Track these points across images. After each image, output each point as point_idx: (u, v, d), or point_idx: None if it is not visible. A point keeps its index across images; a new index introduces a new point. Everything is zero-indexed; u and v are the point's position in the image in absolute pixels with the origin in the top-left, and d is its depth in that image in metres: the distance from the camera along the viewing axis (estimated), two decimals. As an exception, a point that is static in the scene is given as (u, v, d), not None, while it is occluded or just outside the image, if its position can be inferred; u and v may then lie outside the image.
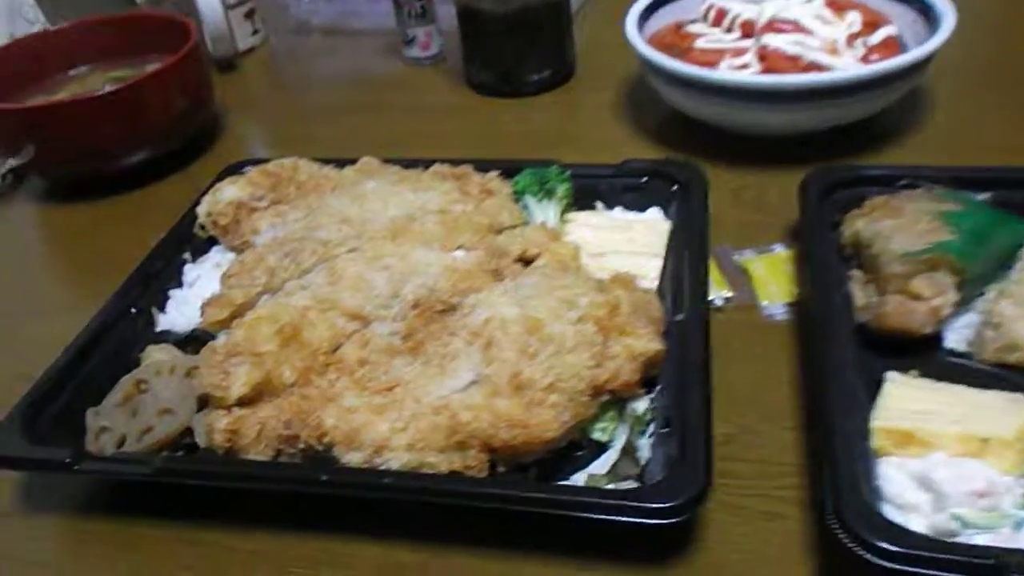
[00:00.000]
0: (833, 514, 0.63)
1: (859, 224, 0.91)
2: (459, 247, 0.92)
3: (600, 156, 1.18)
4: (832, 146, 1.20)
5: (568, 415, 0.73)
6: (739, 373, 0.87)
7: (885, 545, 0.59)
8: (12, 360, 1.03)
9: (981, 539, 0.62)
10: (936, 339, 0.83)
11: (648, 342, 0.79)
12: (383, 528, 0.75)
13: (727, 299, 0.97)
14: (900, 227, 0.86)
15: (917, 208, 0.88)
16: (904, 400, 0.73)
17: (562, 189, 1.05)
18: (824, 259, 0.90)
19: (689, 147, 1.27)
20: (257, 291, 0.88)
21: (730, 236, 1.07)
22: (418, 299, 0.87)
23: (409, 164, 1.12)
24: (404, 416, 0.73)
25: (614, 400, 0.79)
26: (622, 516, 0.64)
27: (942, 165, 1.01)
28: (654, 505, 0.64)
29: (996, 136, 1.21)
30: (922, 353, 0.81)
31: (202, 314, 0.88)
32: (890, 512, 0.67)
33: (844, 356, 0.78)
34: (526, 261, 0.95)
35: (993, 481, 0.64)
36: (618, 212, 1.07)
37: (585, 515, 0.65)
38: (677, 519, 0.64)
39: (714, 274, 1.00)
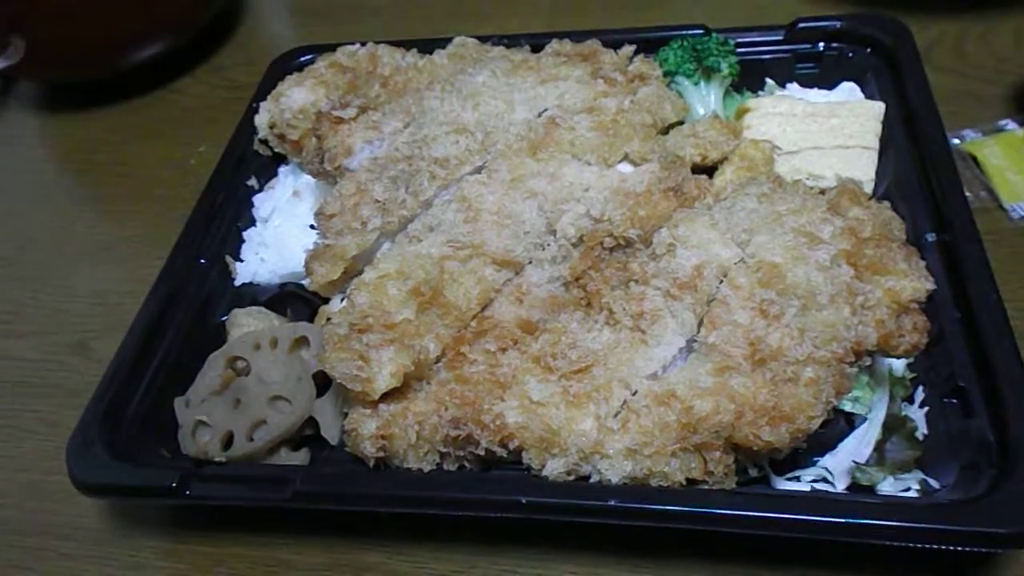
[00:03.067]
0: None
1: None
2: (623, 158, 0.70)
3: (738, 14, 0.93)
4: None
5: (830, 392, 0.55)
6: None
7: None
8: (56, 324, 0.84)
9: None
10: None
11: (917, 282, 0.58)
12: (587, 545, 0.58)
13: (962, 200, 0.76)
14: None
15: None
16: None
17: (727, 65, 0.81)
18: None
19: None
20: (373, 237, 0.67)
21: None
22: (581, 234, 0.66)
23: (512, 42, 0.87)
24: (615, 408, 0.55)
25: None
26: (949, 544, 0.47)
27: None
28: (1000, 532, 0.46)
29: None
30: None
31: (308, 272, 0.68)
32: None
33: None
34: (704, 169, 0.73)
35: None
36: (794, 90, 0.84)
37: (907, 544, 0.48)
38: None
39: (934, 167, 0.78)
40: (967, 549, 0.47)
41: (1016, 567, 0.54)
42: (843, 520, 0.49)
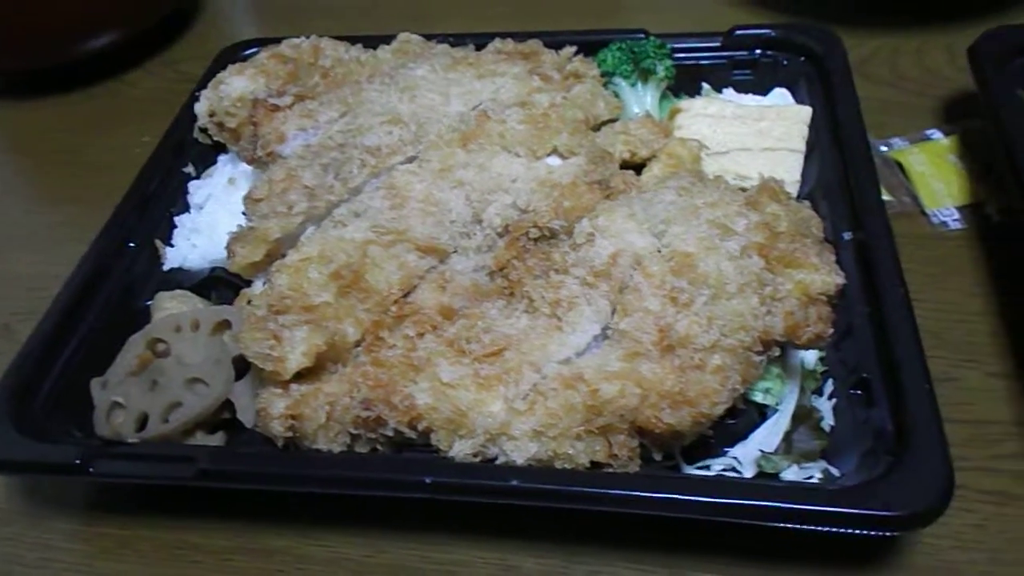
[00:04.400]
0: None
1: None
2: (552, 151, 0.71)
3: (685, 23, 0.95)
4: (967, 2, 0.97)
5: (737, 380, 0.56)
6: (916, 303, 0.69)
7: None
8: (-16, 309, 0.83)
9: None
10: None
11: (827, 276, 0.60)
12: (495, 529, 0.58)
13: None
14: None
15: None
16: None
17: (663, 68, 0.82)
18: (1016, 147, 0.70)
19: (792, 9, 1.03)
20: (298, 221, 0.67)
21: (865, 120, 0.86)
22: (507, 223, 0.67)
23: (457, 41, 0.88)
24: (524, 391, 0.55)
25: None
26: (840, 527, 0.48)
27: None
28: (888, 514, 0.47)
29: None
30: None
31: (229, 254, 0.67)
32: None
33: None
34: (633, 166, 0.75)
35: None
36: (730, 95, 0.85)
37: (787, 526, 0.49)
38: (915, 530, 0.48)
39: (860, 172, 0.80)
40: (852, 531, 0.47)
41: (918, 556, 0.54)
42: (727, 500, 0.49)
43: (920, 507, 0.47)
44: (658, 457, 0.56)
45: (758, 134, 0.76)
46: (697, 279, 0.57)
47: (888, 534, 0.47)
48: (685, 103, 0.79)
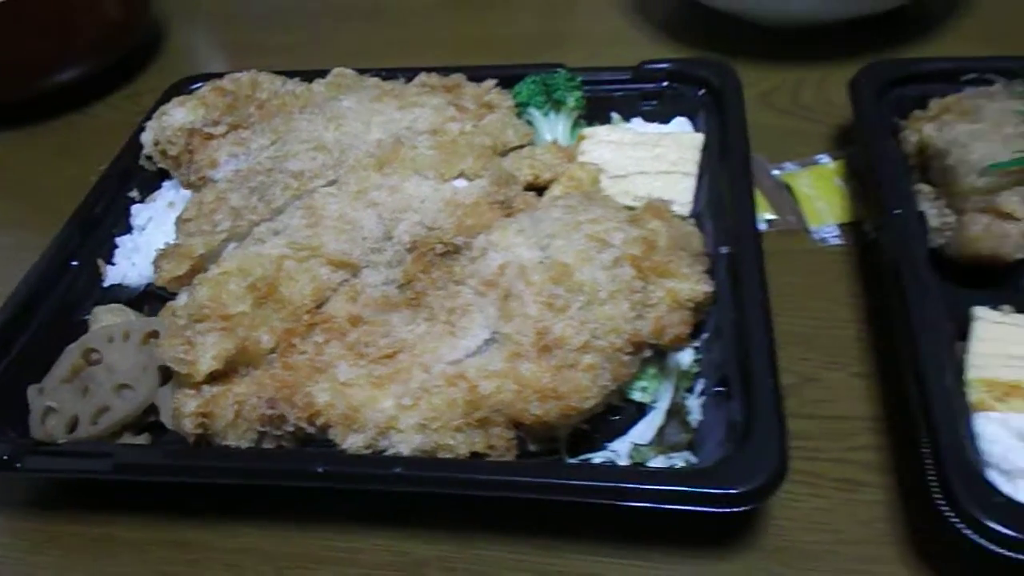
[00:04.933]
0: (939, 492, 0.52)
1: (927, 129, 0.78)
2: (459, 175, 0.77)
3: (607, 58, 1.02)
4: (870, 38, 1.05)
5: (607, 378, 0.61)
6: (793, 311, 0.75)
7: (1007, 530, 0.49)
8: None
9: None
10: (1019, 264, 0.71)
11: (694, 284, 0.66)
12: (392, 519, 0.63)
13: (769, 222, 0.84)
14: (980, 132, 0.73)
15: (1000, 109, 0.74)
16: (1001, 342, 0.62)
17: (573, 99, 0.89)
18: (890, 172, 0.76)
19: (708, 44, 1.11)
20: (221, 238, 0.73)
21: (763, 147, 0.93)
22: (415, 240, 0.73)
23: (389, 75, 0.95)
24: (412, 389, 0.61)
25: (656, 354, 0.67)
26: (684, 505, 0.53)
27: (1018, 55, 0.87)
28: (724, 491, 0.53)
29: None
30: (1011, 281, 0.70)
31: (156, 270, 0.73)
32: (997, 480, 0.57)
33: (924, 289, 0.66)
34: (537, 188, 0.81)
35: None
36: (638, 124, 0.92)
37: (638, 505, 0.54)
38: (748, 507, 0.53)
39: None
40: (688, 508, 0.53)
41: (770, 538, 0.60)
42: (574, 482, 0.55)
43: (750, 487, 0.52)
44: (533, 448, 0.61)
45: (655, 159, 0.83)
46: (573, 287, 0.63)
47: (723, 510, 0.52)
48: (588, 130, 0.86)
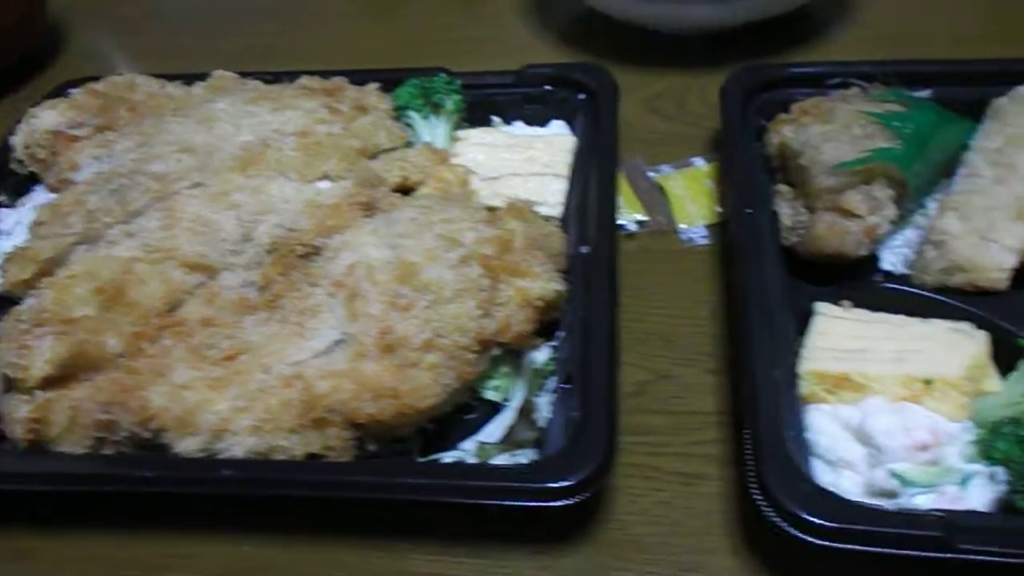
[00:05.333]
0: (755, 482, 0.53)
1: (786, 131, 0.80)
2: (323, 176, 0.77)
3: (499, 63, 1.03)
4: (757, 45, 1.07)
5: (450, 376, 0.61)
6: (654, 309, 0.77)
7: (813, 519, 0.50)
8: None
9: (923, 499, 0.54)
10: (871, 261, 0.73)
11: (545, 283, 0.66)
12: (230, 523, 0.62)
13: (640, 223, 0.85)
14: (831, 133, 0.75)
15: (851, 111, 0.77)
16: (836, 336, 0.64)
17: (451, 102, 0.89)
18: (747, 172, 0.78)
19: (601, 51, 1.12)
20: (70, 241, 0.72)
21: (645, 150, 0.95)
22: (275, 242, 0.72)
23: (273, 79, 0.95)
24: (248, 391, 0.60)
25: (510, 353, 0.68)
26: (505, 500, 0.54)
27: (879, 60, 0.89)
28: (542, 485, 0.53)
29: (942, 25, 1.10)
30: (857, 278, 0.71)
31: (2, 273, 0.71)
32: (822, 470, 0.58)
33: (768, 285, 0.68)
34: (407, 191, 0.81)
35: (937, 430, 0.56)
36: (519, 127, 0.93)
37: (461, 501, 0.54)
38: (572, 500, 0.54)
39: (626, 195, 0.88)
40: (513, 502, 0.53)
41: (610, 532, 0.60)
42: (396, 480, 0.54)
43: (571, 481, 0.53)
44: (373, 448, 0.60)
45: (528, 161, 0.84)
46: (419, 286, 0.63)
47: (544, 505, 0.53)
48: (463, 133, 0.86)
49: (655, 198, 0.87)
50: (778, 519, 0.51)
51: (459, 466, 0.60)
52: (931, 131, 0.74)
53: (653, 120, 1.01)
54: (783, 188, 0.78)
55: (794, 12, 1.07)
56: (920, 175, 0.73)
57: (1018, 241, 0.66)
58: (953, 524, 0.48)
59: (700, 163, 0.91)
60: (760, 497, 0.52)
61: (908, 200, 0.73)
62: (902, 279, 0.71)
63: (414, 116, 0.90)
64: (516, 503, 0.53)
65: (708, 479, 0.62)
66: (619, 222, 0.85)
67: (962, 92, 0.84)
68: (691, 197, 0.87)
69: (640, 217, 0.85)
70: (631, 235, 0.84)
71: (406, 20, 1.29)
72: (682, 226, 0.84)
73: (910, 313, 0.66)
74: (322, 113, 0.84)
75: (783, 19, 1.06)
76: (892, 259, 0.73)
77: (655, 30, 1.10)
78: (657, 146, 0.95)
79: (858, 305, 0.67)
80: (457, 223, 0.68)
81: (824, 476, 0.58)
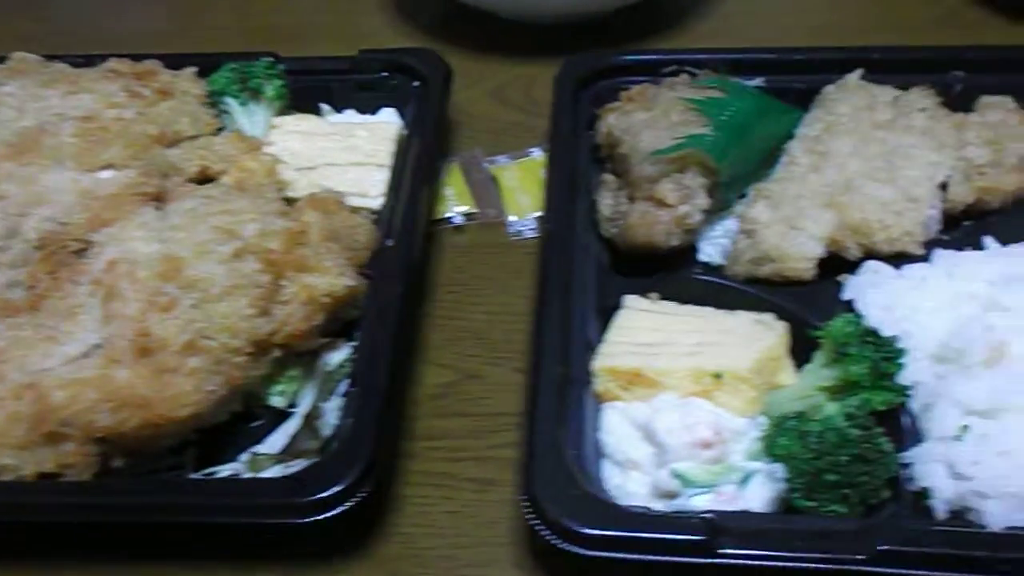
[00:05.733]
0: (523, 487, 0.49)
1: (611, 119, 0.77)
2: (107, 165, 0.70)
3: (342, 50, 0.98)
4: (615, 34, 1.05)
5: (217, 382, 0.56)
6: (474, 305, 0.73)
7: (575, 527, 0.46)
8: None
9: (701, 500, 0.51)
10: (692, 251, 0.71)
11: (334, 279, 0.61)
12: None
13: (469, 216, 0.81)
14: (650, 121, 0.72)
15: (672, 98, 0.74)
16: (637, 331, 0.61)
17: (272, 88, 0.83)
18: (570, 162, 0.75)
19: (455, 40, 1.08)
20: None
21: (488, 140, 0.91)
22: (44, 237, 0.65)
23: (84, 61, 0.87)
24: (-25, 403, 0.53)
25: (301, 355, 0.62)
26: (251, 518, 0.49)
27: (716, 48, 0.88)
28: (290, 501, 0.48)
29: (802, 16, 1.10)
30: (676, 269, 0.69)
31: None
32: (611, 471, 0.55)
33: (576, 279, 0.64)
34: (208, 180, 0.75)
35: (721, 427, 0.53)
36: (350, 115, 0.88)
37: (203, 520, 0.49)
38: (326, 515, 0.49)
39: (457, 187, 0.84)
40: (255, 521, 0.48)
41: (392, 546, 0.56)
42: (116, 500, 0.49)
43: (317, 497, 0.48)
44: (119, 463, 0.54)
45: (347, 150, 0.79)
46: (184, 283, 0.58)
47: (292, 522, 0.48)
48: (278, 120, 0.81)
49: (488, 190, 0.84)
50: (541, 527, 0.47)
51: (197, 483, 0.54)
52: (750, 119, 0.72)
53: (500, 110, 0.97)
54: (608, 178, 0.76)
55: (653, 1, 1.05)
56: (739, 163, 0.71)
57: (825, 229, 0.64)
58: (716, 527, 0.45)
59: (537, 153, 0.87)
60: (526, 505, 0.48)
61: (725, 189, 0.70)
62: (718, 270, 0.69)
63: (231, 103, 0.84)
64: (256, 521, 0.48)
65: (501, 485, 0.59)
66: (448, 214, 0.81)
67: (796, 81, 0.83)
68: (523, 188, 0.83)
69: (469, 209, 0.81)
70: (459, 228, 0.81)
71: (261, 4, 1.22)
72: (512, 218, 0.80)
73: (720, 305, 0.64)
74: (120, 97, 0.77)
75: (644, 8, 1.04)
76: (711, 250, 0.70)
77: (510, 19, 1.06)
78: (501, 136, 0.92)
79: (668, 298, 0.64)
80: (239, 215, 0.62)
81: (613, 478, 0.54)
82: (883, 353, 0.53)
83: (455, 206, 0.81)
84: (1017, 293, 0.56)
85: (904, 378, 0.55)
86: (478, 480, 0.59)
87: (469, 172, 0.85)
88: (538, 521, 0.47)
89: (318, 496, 0.48)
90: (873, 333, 0.54)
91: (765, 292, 0.64)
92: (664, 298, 0.64)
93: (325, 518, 0.48)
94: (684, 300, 0.64)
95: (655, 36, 1.08)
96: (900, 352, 0.54)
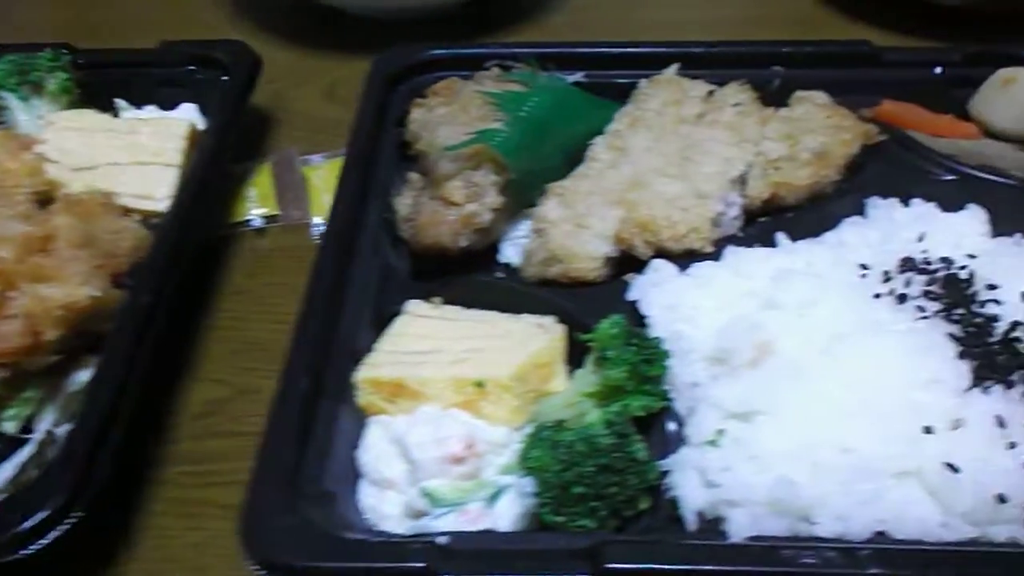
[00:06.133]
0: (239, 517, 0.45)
1: (414, 114, 0.73)
2: None
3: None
4: (466, 27, 1.02)
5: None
6: (262, 314, 0.68)
7: (282, 559, 0.42)
8: None
9: (447, 520, 0.47)
10: (494, 253, 0.67)
11: (75, 289, 0.56)
12: None
13: (270, 218, 0.76)
14: (449, 116, 0.69)
15: (472, 92, 0.71)
16: (409, 338, 0.57)
17: (55, 82, 0.77)
18: (366, 160, 0.71)
19: (297, 35, 1.04)
20: None
21: (310, 139, 0.86)
22: None
23: None
24: None
25: (40, 374, 0.56)
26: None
27: (536, 41, 0.85)
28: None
29: (658, 11, 1.07)
30: (475, 271, 0.65)
31: None
32: (368, 491, 0.51)
33: (356, 284, 0.60)
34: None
35: (477, 440, 0.50)
36: (149, 111, 0.81)
37: None
38: (19, 554, 0.43)
39: (263, 187, 0.79)
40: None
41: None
42: None
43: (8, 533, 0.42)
44: None
45: (130, 148, 0.73)
46: None
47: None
48: (54, 116, 0.74)
49: (297, 191, 0.79)
50: (249, 561, 0.42)
51: None
52: (551, 114, 0.69)
53: (328, 107, 0.93)
54: (414, 176, 0.71)
55: None
56: (539, 159, 0.68)
57: (612, 227, 0.62)
58: (443, 552, 0.42)
59: (353, 152, 0.83)
60: (240, 534, 0.44)
61: (523, 187, 0.67)
62: (514, 272, 0.65)
63: (9, 97, 0.77)
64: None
65: (252, 510, 0.53)
66: (246, 217, 0.76)
67: (618, 76, 0.80)
68: (330, 189, 0.78)
69: (270, 211, 0.76)
70: (260, 231, 0.75)
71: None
72: (317, 220, 0.76)
73: (514, 308, 0.60)
74: None
75: (497, 1, 1.02)
76: (511, 251, 0.67)
77: (356, 14, 1.02)
78: (323, 135, 0.87)
79: (461, 302, 0.61)
80: (-25, 219, 0.56)
81: (368, 499, 0.50)
82: (644, 356, 0.50)
83: (255, 208, 0.76)
84: (788, 290, 0.54)
85: (678, 380, 0.53)
86: (230, 507, 0.53)
87: (280, 172, 0.80)
88: (247, 554, 0.42)
89: (9, 532, 0.42)
90: (637, 335, 0.51)
91: (556, 294, 0.61)
92: (454, 302, 0.60)
93: (18, 557, 0.43)
94: (478, 304, 0.61)
95: (508, 29, 1.05)
96: (663, 354, 0.51)
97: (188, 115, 0.79)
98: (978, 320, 0.52)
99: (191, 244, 0.63)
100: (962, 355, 0.49)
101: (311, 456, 0.48)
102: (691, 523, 0.46)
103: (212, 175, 0.69)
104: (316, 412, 0.50)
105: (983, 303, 0.53)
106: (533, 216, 0.65)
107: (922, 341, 0.50)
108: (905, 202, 0.65)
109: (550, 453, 0.47)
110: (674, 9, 1.09)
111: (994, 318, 0.52)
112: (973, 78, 0.78)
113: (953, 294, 0.54)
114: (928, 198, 0.66)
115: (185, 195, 0.67)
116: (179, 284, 0.60)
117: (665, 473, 0.48)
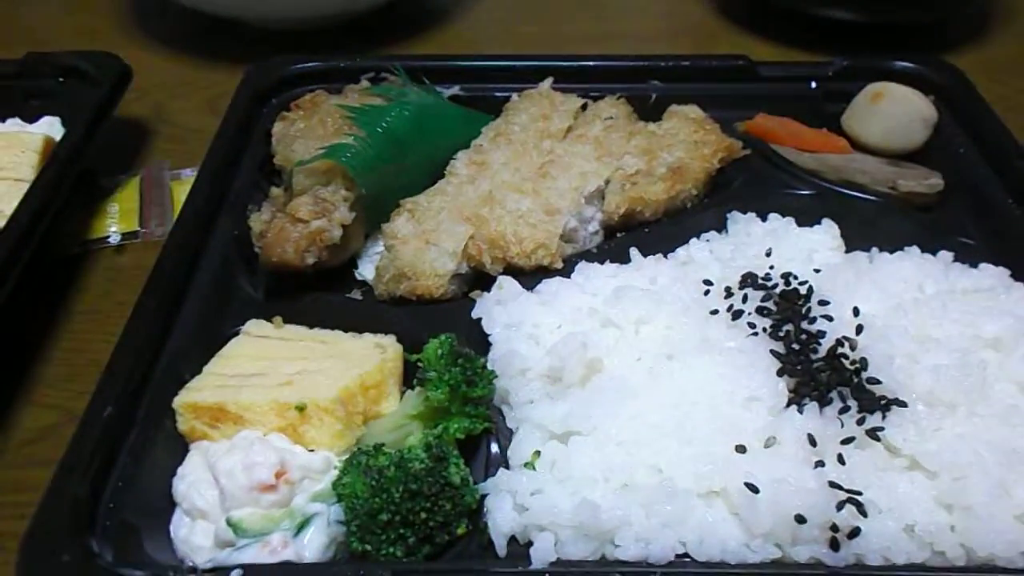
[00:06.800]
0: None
1: (276, 128, 0.72)
2: None
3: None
4: (375, 37, 1.01)
5: None
6: (108, 335, 0.65)
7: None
8: None
9: (250, 552, 0.45)
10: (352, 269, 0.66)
11: None
12: None
13: (129, 234, 0.73)
14: (306, 131, 0.67)
15: (332, 106, 0.69)
16: (239, 360, 0.55)
17: (-95, 94, 0.74)
18: (222, 175, 0.69)
19: (183, 46, 1.02)
20: None
21: (186, 153, 0.84)
22: None
23: None
24: None
25: None
26: None
27: (410, 55, 0.84)
28: None
29: (563, 25, 1.08)
30: (333, 288, 0.64)
31: None
32: (181, 521, 0.49)
33: (189, 305, 0.58)
34: None
35: (288, 467, 0.48)
36: (12, 125, 0.79)
37: None
38: None
39: (126, 202, 0.77)
40: None
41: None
42: None
43: None
44: None
45: (-25, 163, 0.70)
46: None
47: None
48: None
49: (162, 206, 0.76)
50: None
51: None
52: (411, 127, 0.68)
53: (208, 120, 0.90)
54: (276, 192, 0.70)
55: (414, 9, 1.03)
56: (396, 175, 0.67)
57: (458, 243, 0.60)
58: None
59: (224, 166, 0.81)
60: (17, 569, 0.41)
61: (380, 203, 0.66)
62: (370, 289, 0.64)
63: None
64: None
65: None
66: (105, 235, 0.74)
67: (495, 89, 0.80)
68: (194, 203, 0.76)
69: (130, 228, 0.74)
70: (120, 248, 0.73)
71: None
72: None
73: (363, 327, 0.59)
74: None
75: (405, 11, 1.01)
76: (368, 268, 0.66)
77: (245, 23, 1.00)
78: (201, 147, 0.85)
79: (299, 321, 0.59)
80: None
81: (181, 529, 0.48)
82: (466, 376, 0.49)
83: (115, 224, 0.74)
84: (624, 307, 0.53)
85: (513, 400, 0.51)
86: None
87: (148, 187, 0.78)
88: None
89: None
90: (464, 355, 0.50)
91: (404, 312, 0.60)
92: (301, 322, 0.58)
93: None
94: (327, 323, 0.59)
95: (415, 39, 1.04)
96: (488, 375, 0.50)
97: (47, 128, 0.77)
98: (803, 337, 0.51)
99: (25, 263, 0.60)
100: (783, 372, 0.49)
101: (111, 487, 0.46)
102: (501, 548, 0.45)
103: (65, 190, 0.66)
104: (124, 440, 0.48)
105: (813, 319, 0.53)
106: (383, 233, 0.64)
107: (746, 359, 0.50)
108: (763, 217, 0.66)
109: (361, 479, 0.46)
110: (580, 23, 1.10)
111: (821, 334, 0.52)
112: (847, 92, 0.79)
113: (784, 310, 0.53)
114: (785, 213, 0.66)
115: (26, 211, 0.64)
116: (9, 305, 0.57)
117: (484, 497, 0.47)
